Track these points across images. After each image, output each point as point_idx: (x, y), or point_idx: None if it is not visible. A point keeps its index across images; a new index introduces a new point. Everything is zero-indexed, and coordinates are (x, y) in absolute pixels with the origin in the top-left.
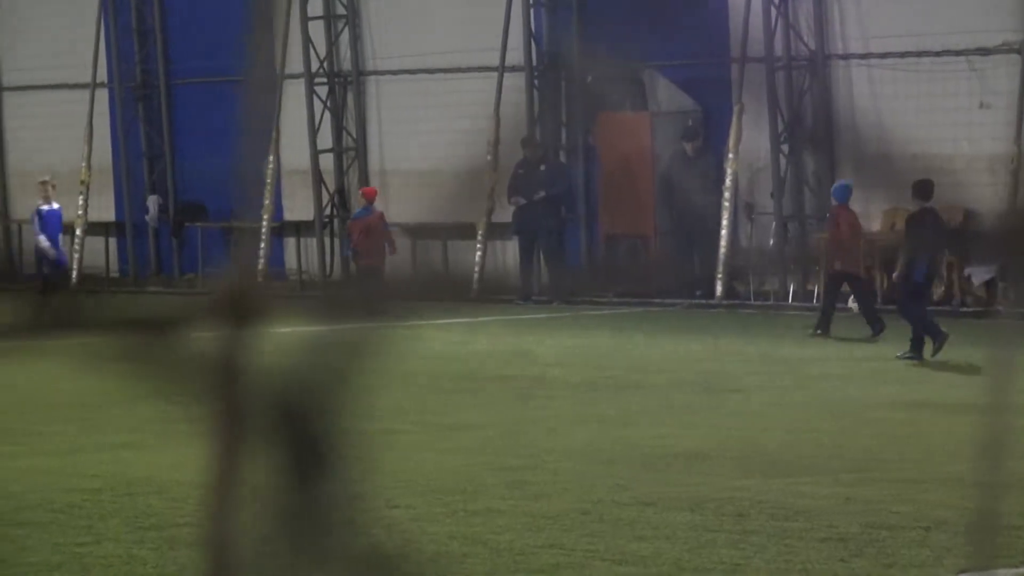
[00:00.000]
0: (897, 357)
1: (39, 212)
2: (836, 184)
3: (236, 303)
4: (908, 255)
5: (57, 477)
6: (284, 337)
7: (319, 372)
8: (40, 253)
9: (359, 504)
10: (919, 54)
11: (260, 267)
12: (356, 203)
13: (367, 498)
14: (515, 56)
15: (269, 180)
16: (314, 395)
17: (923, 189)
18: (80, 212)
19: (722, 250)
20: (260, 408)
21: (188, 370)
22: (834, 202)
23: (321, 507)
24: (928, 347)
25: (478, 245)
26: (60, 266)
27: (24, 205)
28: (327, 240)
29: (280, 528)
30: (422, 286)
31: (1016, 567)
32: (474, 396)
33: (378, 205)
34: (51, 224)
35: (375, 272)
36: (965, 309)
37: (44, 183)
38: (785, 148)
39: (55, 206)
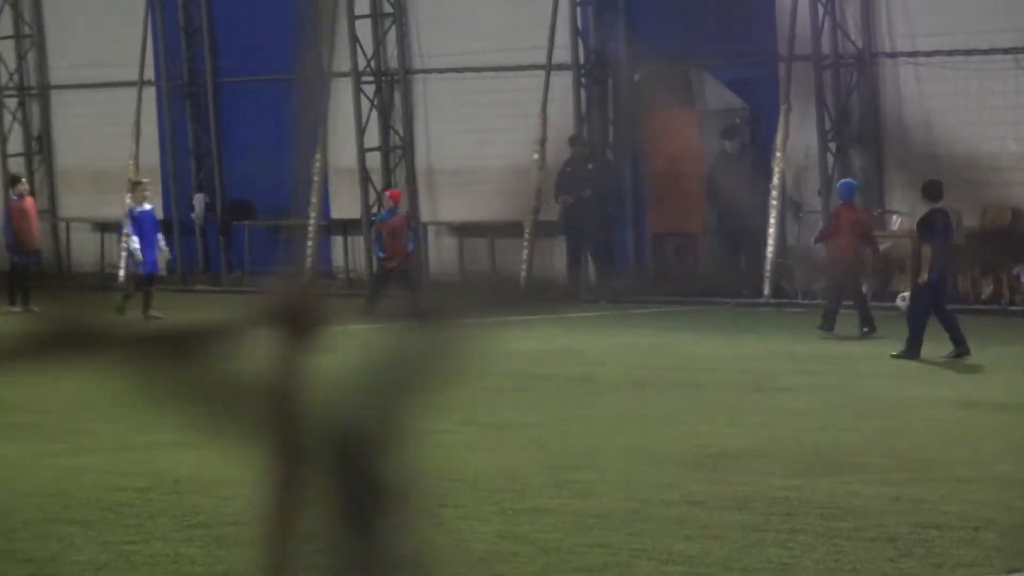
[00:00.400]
0: (943, 358)
1: (131, 214)
2: (841, 182)
3: (295, 314)
4: (932, 257)
5: (104, 475)
6: (341, 338)
7: (379, 401)
8: (131, 255)
9: (416, 544)
10: (967, 52)
11: (309, 265)
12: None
13: (419, 507)
14: (562, 54)
15: (317, 178)
16: (375, 428)
17: (932, 190)
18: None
19: (769, 249)
20: (318, 439)
21: (237, 397)
22: (840, 200)
23: (379, 545)
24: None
25: (525, 244)
26: (148, 273)
27: (71, 204)
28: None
29: (338, 565)
30: (490, 300)
31: None
32: (521, 395)
33: (425, 204)
34: (146, 226)
35: (398, 274)
36: (1014, 308)
37: (139, 184)
38: (832, 146)
39: (147, 207)
